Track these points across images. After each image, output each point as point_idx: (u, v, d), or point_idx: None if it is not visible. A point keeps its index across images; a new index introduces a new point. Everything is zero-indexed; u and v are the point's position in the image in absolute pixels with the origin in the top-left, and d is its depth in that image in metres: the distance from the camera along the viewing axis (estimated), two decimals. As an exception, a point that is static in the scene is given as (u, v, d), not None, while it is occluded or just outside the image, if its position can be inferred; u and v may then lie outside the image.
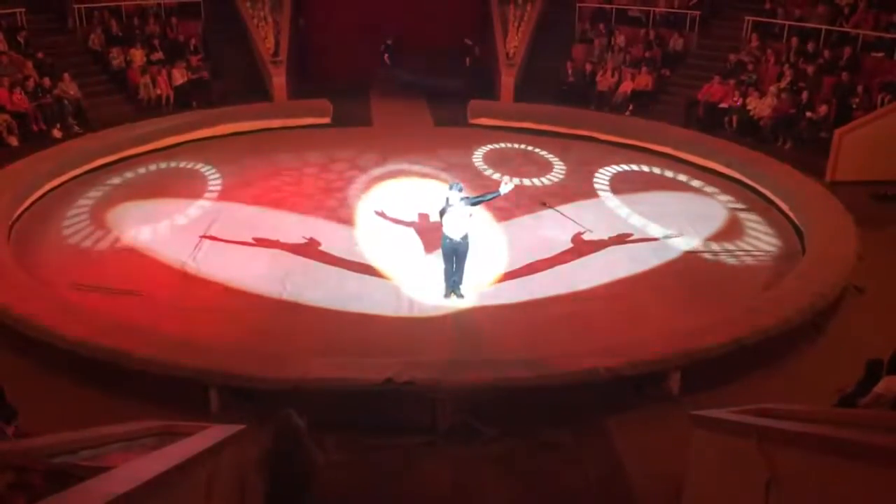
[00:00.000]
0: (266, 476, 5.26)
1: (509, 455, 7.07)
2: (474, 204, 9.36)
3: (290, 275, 10.27)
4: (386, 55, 19.94)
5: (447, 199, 9.17)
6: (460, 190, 9.20)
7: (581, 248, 11.12)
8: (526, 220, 12.15)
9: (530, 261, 10.69)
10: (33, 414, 6.79)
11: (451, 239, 9.28)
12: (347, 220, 12.08)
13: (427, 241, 11.02)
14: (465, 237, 9.31)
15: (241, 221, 11.92)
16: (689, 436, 5.76)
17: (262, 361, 7.84)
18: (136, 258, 10.80)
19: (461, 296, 9.67)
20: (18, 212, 11.78)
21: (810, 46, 15.91)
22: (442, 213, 9.25)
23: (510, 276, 10.39)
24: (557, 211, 12.16)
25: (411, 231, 11.52)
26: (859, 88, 14.47)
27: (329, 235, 11.48)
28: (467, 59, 19.49)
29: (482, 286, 10.03)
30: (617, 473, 6.84)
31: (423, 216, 11.76)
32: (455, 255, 9.43)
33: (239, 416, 6.84)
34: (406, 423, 7.43)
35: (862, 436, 3.99)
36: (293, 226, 11.78)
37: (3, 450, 4.20)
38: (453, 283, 9.63)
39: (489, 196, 9.67)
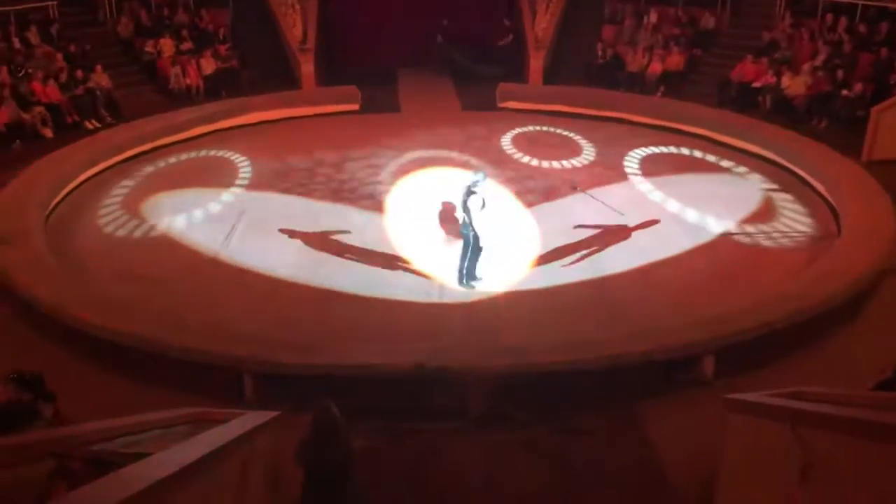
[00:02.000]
0: (304, 466, 5.31)
1: (541, 441, 7.06)
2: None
3: (321, 261, 10.33)
4: (438, 35, 19.81)
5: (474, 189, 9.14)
6: (475, 181, 9.18)
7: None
8: (557, 205, 12.08)
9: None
10: (72, 402, 6.90)
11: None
12: (378, 208, 12.10)
13: (449, 229, 11.05)
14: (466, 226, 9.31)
15: (273, 210, 12.00)
16: (724, 420, 5.71)
17: (294, 348, 7.92)
18: (169, 246, 10.94)
19: (472, 286, 9.61)
20: (55, 202, 11.96)
21: (846, 22, 15.56)
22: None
23: (542, 261, 10.34)
24: (588, 195, 12.08)
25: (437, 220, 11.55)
26: (897, 64, 14.15)
27: (361, 224, 11.52)
28: (503, 40, 19.34)
29: (512, 273, 9.98)
30: (650, 458, 6.80)
31: (449, 205, 11.58)
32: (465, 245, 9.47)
33: (273, 403, 6.91)
34: (437, 409, 7.44)
35: (900, 420, 3.93)
36: (325, 215, 11.84)
37: (44, 438, 4.29)
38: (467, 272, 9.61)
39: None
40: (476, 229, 9.22)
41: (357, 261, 10.37)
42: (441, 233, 11.09)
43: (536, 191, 12.57)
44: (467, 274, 9.59)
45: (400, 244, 10.85)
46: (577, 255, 10.40)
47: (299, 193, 12.67)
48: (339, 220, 11.61)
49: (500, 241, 9.65)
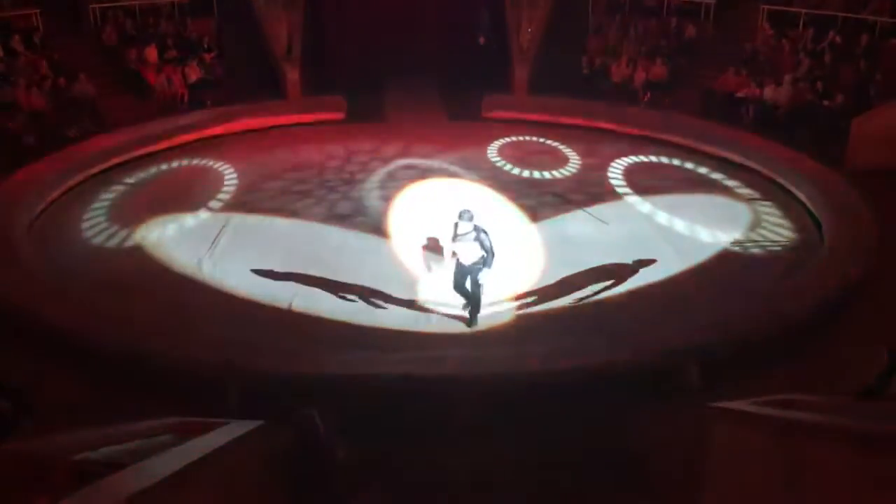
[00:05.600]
0: (288, 475, 5.29)
1: (528, 451, 7.04)
2: (482, 245, 8.51)
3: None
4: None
5: (456, 227, 8.54)
6: (470, 219, 8.46)
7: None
8: (547, 222, 11.94)
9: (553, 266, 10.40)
10: (54, 412, 6.85)
11: (462, 265, 8.72)
12: (365, 228, 11.79)
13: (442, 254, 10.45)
14: (481, 259, 8.60)
15: (254, 225, 11.86)
16: (710, 428, 5.72)
17: (279, 357, 7.88)
18: (153, 257, 10.85)
19: (474, 323, 9.10)
20: (37, 211, 11.86)
21: (827, 34, 15.73)
22: (453, 239, 8.65)
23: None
24: (587, 212, 12.06)
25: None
26: (878, 76, 14.29)
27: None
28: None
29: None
30: (637, 467, 6.80)
31: (433, 240, 10.94)
32: (470, 280, 8.82)
33: (257, 413, 6.87)
34: (423, 419, 7.40)
35: (885, 427, 3.95)
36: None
37: (24, 449, 4.24)
38: (470, 308, 9.10)
39: (489, 258, 8.61)
40: (480, 263, 8.65)
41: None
42: (434, 265, 10.32)
43: (525, 206, 12.45)
44: (471, 312, 9.11)
45: (390, 269, 10.49)
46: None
47: (283, 205, 12.56)
48: (324, 241, 11.30)
49: (487, 279, 8.89)
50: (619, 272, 10.23)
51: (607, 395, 7.68)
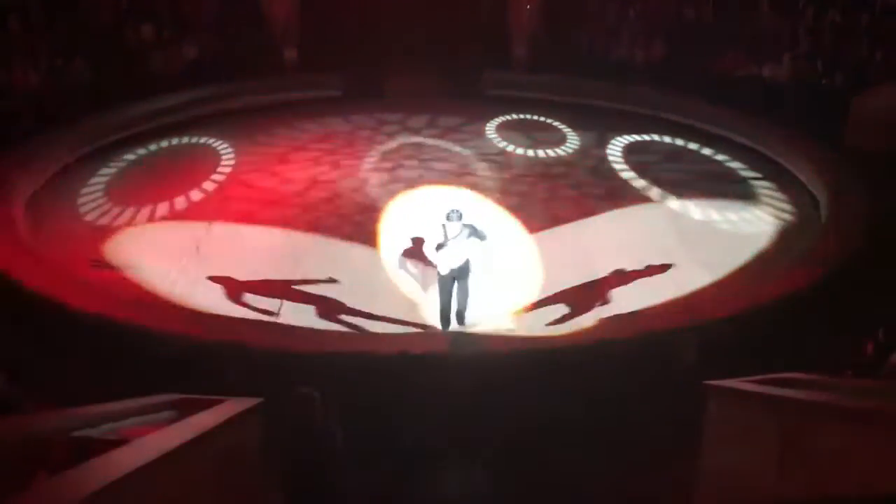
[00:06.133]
0: (285, 455, 5.29)
1: (522, 432, 7.03)
2: (476, 234, 8.22)
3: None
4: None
5: (444, 230, 8.10)
6: (459, 218, 8.07)
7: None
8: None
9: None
10: (53, 389, 6.88)
11: (450, 269, 8.26)
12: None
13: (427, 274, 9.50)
14: (467, 262, 8.28)
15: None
16: (706, 406, 5.74)
17: (275, 335, 7.90)
18: (148, 236, 10.86)
19: (463, 323, 8.67)
20: (34, 189, 11.82)
21: (830, 13, 15.62)
22: (440, 247, 8.15)
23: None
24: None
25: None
26: (878, 54, 14.22)
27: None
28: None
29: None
30: (631, 444, 6.83)
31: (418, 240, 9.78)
32: (456, 283, 8.40)
33: (255, 390, 6.89)
34: (420, 399, 7.40)
35: (878, 404, 3.98)
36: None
37: (24, 424, 4.26)
38: (457, 311, 8.61)
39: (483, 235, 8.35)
40: (469, 264, 8.33)
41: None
42: (416, 273, 9.74)
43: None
44: (460, 312, 8.67)
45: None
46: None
47: (278, 192, 12.37)
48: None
49: (473, 279, 8.52)
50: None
51: (604, 371, 7.69)
